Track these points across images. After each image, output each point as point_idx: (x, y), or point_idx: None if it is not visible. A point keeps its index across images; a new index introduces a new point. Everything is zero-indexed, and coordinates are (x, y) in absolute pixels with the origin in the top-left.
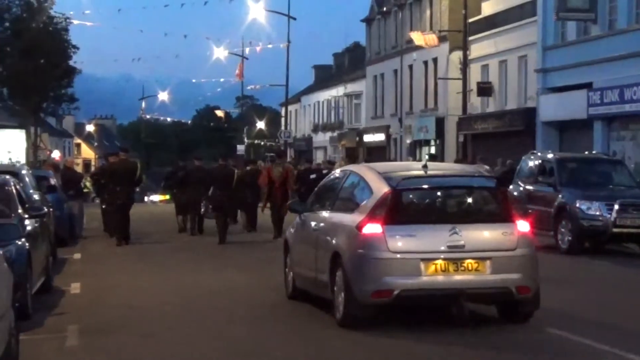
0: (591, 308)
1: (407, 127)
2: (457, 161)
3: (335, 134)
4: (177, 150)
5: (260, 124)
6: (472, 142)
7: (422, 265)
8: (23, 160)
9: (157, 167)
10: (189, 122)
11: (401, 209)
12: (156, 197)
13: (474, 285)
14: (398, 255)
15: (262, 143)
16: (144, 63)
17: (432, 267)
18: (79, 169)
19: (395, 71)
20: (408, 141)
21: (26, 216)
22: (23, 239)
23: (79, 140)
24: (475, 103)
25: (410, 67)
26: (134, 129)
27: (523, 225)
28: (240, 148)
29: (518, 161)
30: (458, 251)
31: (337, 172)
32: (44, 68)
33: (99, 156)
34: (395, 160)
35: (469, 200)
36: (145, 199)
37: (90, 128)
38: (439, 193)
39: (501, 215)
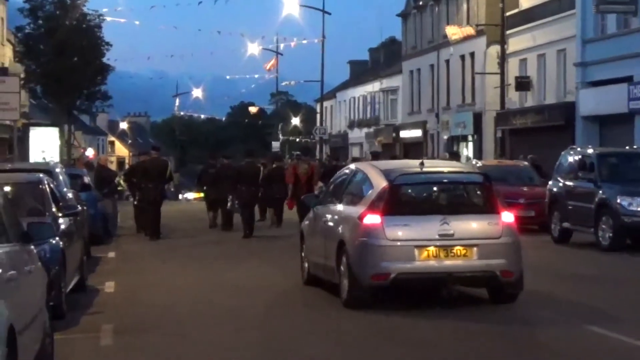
0: (631, 306)
1: (444, 122)
2: (497, 158)
3: (371, 130)
4: (212, 148)
5: (295, 121)
6: (510, 137)
7: (416, 252)
8: (57, 159)
9: (191, 164)
10: (223, 119)
11: (398, 201)
12: (191, 195)
13: (462, 269)
14: (394, 243)
15: (297, 140)
16: (178, 60)
17: (425, 253)
18: (112, 166)
19: (432, 66)
20: (445, 137)
21: (60, 215)
22: (57, 238)
23: (112, 138)
24: (514, 98)
25: (447, 61)
26: (167, 126)
27: (507, 217)
28: (275, 145)
29: (554, 157)
30: (448, 239)
31: (345, 169)
32: (77, 66)
33: (133, 154)
34: (434, 157)
35: (459, 193)
36: (180, 196)
37: (123, 125)
38: (431, 187)
39: (487, 207)
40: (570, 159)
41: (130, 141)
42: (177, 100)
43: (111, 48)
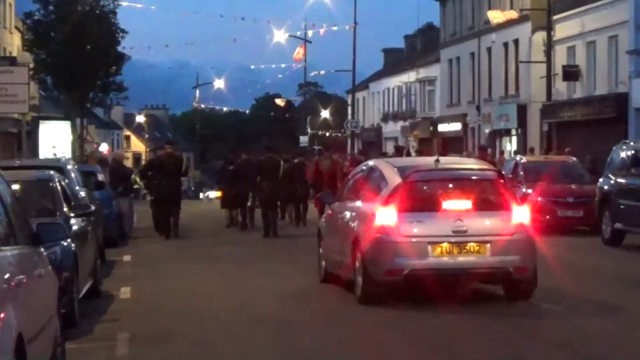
0: None
1: (486, 115)
2: (543, 153)
3: (406, 123)
4: (235, 142)
5: (325, 113)
6: (558, 131)
7: (429, 248)
8: (68, 155)
9: (213, 160)
10: (247, 111)
11: (411, 198)
12: (212, 194)
13: (475, 265)
14: (408, 239)
15: (327, 134)
16: (198, 48)
17: (438, 250)
18: (128, 163)
19: (472, 54)
20: (487, 131)
21: (72, 215)
22: (69, 240)
23: (128, 132)
24: (561, 88)
25: (489, 49)
26: (187, 120)
27: (521, 213)
28: (303, 139)
29: (605, 152)
30: (461, 235)
31: (362, 165)
32: (90, 55)
33: (149, 149)
34: (473, 151)
35: (472, 190)
36: (201, 195)
37: (140, 119)
38: (445, 184)
39: (501, 204)
40: (623, 154)
41: (147, 136)
42: (198, 92)
43: (127, 36)
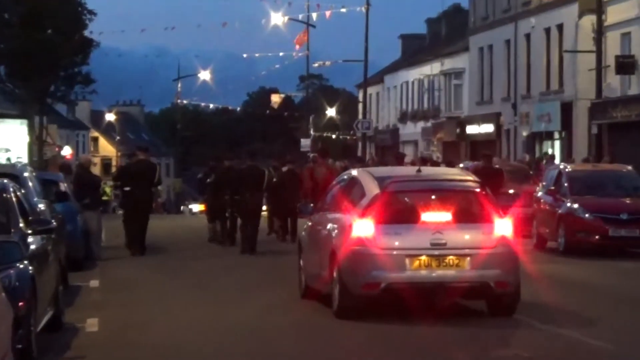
0: None
1: (524, 115)
2: (585, 161)
3: (429, 124)
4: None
5: (331, 112)
6: (609, 133)
7: (407, 261)
8: (25, 160)
9: (197, 167)
10: (238, 109)
11: (390, 209)
12: (196, 207)
13: (454, 279)
14: (386, 252)
15: (334, 136)
16: (180, 33)
17: (417, 263)
18: (96, 170)
19: (508, 42)
20: (524, 133)
21: (29, 232)
22: (26, 262)
23: (96, 134)
24: (614, 83)
25: (528, 36)
26: (167, 119)
27: (503, 225)
28: (305, 143)
29: None
30: (440, 248)
31: (343, 175)
32: (51, 40)
33: (122, 153)
34: (507, 158)
35: (453, 202)
36: (183, 208)
37: (110, 117)
38: (425, 195)
39: (482, 216)
40: None
41: (118, 137)
42: (179, 85)
43: (95, 18)
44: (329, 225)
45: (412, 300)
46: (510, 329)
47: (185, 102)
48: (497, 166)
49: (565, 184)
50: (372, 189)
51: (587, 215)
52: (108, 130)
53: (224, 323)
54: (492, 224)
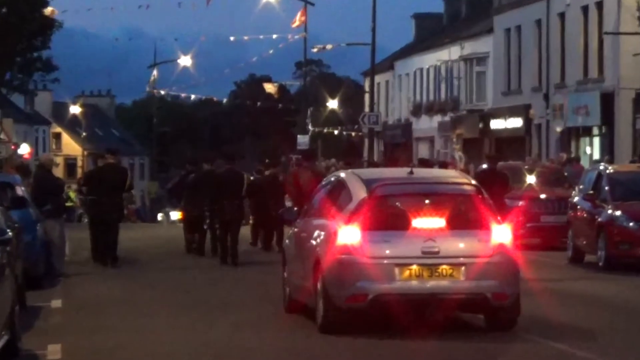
0: None
1: (557, 107)
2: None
3: (446, 118)
4: (207, 143)
5: (333, 104)
6: None
7: (396, 271)
8: None
9: (176, 169)
10: (224, 100)
11: (378, 214)
12: (175, 214)
13: (448, 290)
14: (373, 261)
15: (336, 132)
16: (156, 12)
17: (407, 273)
18: (59, 171)
19: (539, 22)
20: (558, 129)
21: None
22: None
23: (58, 129)
24: None
25: (562, 15)
26: (141, 111)
27: (501, 233)
28: (303, 140)
29: None
30: (432, 257)
31: (330, 176)
32: (5, 21)
33: (88, 152)
34: (539, 157)
35: (447, 206)
36: (159, 217)
37: (75, 110)
38: (416, 199)
39: (479, 222)
40: None
41: (84, 134)
42: (155, 72)
43: None
44: (313, 233)
45: (401, 314)
46: (513, 347)
47: (162, 92)
48: (507, 168)
49: (606, 188)
50: (359, 192)
51: (631, 224)
52: (72, 125)
53: (202, 343)
54: (489, 230)
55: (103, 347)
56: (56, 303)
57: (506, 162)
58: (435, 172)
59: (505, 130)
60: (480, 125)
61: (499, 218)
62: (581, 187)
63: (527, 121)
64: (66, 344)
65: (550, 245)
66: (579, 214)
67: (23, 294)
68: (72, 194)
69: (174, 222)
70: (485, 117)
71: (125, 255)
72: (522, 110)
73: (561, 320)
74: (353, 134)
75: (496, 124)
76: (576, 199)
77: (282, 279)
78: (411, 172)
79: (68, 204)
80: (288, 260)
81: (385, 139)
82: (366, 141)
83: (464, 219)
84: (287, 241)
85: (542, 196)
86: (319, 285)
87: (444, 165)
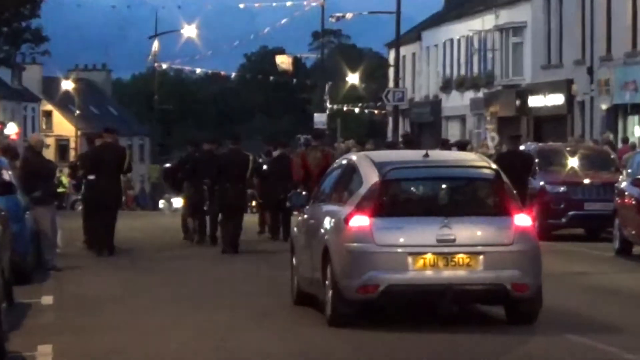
0: None
1: (602, 82)
2: None
3: (479, 94)
4: (214, 123)
5: (353, 78)
6: None
7: (409, 260)
8: None
9: (179, 151)
10: (233, 75)
11: (390, 200)
12: (178, 202)
13: (464, 281)
14: (385, 249)
15: (357, 110)
16: None
17: (421, 262)
18: (50, 153)
19: None
20: (604, 106)
21: None
22: None
23: (49, 106)
24: None
25: None
26: (140, 87)
27: (522, 219)
28: (320, 118)
29: None
30: (448, 245)
31: (341, 159)
32: None
33: (83, 131)
34: (582, 138)
35: (463, 191)
36: (161, 204)
37: (68, 86)
38: (431, 184)
39: (498, 208)
40: None
41: (78, 112)
42: (157, 44)
43: None
44: (322, 220)
45: (415, 306)
46: (531, 341)
47: (164, 66)
48: (528, 150)
49: None
50: (371, 176)
51: None
52: (65, 103)
53: (208, 343)
54: (509, 216)
55: (99, 348)
56: (47, 299)
57: (546, 143)
58: (453, 155)
59: (545, 108)
60: (517, 102)
61: (520, 204)
62: (629, 170)
63: (569, 98)
64: (58, 345)
65: (595, 235)
66: (626, 200)
67: (10, 289)
68: (65, 179)
69: (176, 209)
70: (523, 93)
71: (123, 247)
72: (564, 86)
73: (592, 315)
74: (376, 112)
75: (535, 101)
76: (624, 184)
77: (290, 269)
78: (426, 155)
79: (60, 189)
80: (296, 249)
81: (411, 118)
82: (390, 120)
83: (482, 205)
84: (295, 228)
85: (586, 181)
86: (327, 276)
87: (462, 146)
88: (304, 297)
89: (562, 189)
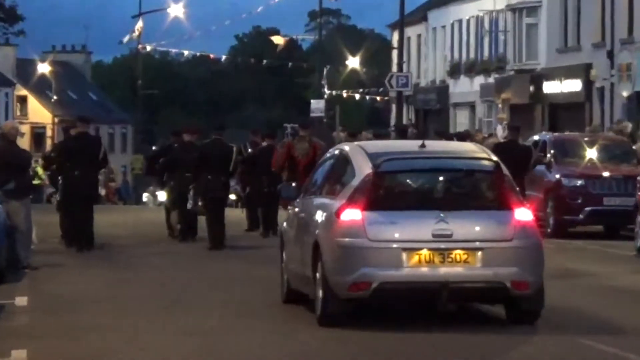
0: None
1: (624, 67)
2: None
3: (490, 80)
4: (204, 109)
5: (354, 62)
6: None
7: (404, 256)
8: None
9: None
10: (223, 58)
11: (383, 192)
12: (163, 195)
13: (461, 278)
14: (378, 244)
15: (358, 96)
16: None
17: (416, 258)
18: (24, 142)
19: None
20: (625, 93)
21: None
22: None
23: (24, 92)
24: None
25: None
26: (123, 71)
27: (523, 214)
28: (317, 105)
29: None
30: (445, 240)
31: (333, 149)
32: None
33: (60, 119)
34: (600, 128)
35: (461, 184)
36: (145, 197)
37: (44, 69)
38: (426, 175)
39: (498, 201)
40: None
41: (55, 97)
42: (140, 24)
43: None
44: (313, 213)
45: (409, 304)
46: (530, 341)
47: (148, 48)
48: (526, 142)
49: None
50: (364, 167)
51: None
52: (41, 87)
53: (194, 345)
54: (510, 210)
55: (77, 353)
56: (21, 300)
57: (562, 132)
58: (450, 146)
59: (561, 94)
60: (531, 88)
61: (521, 197)
62: None
63: (588, 84)
64: (33, 349)
65: (615, 233)
66: None
67: None
68: (40, 170)
69: (161, 203)
70: (537, 79)
71: (104, 243)
72: (582, 71)
73: (606, 317)
74: (378, 98)
75: (550, 87)
76: None
77: (280, 266)
78: (422, 145)
79: (35, 181)
80: (286, 244)
81: (416, 105)
82: (393, 107)
83: (481, 198)
84: (284, 224)
85: (605, 174)
86: (318, 273)
87: (462, 137)
88: (293, 295)
89: (579, 182)
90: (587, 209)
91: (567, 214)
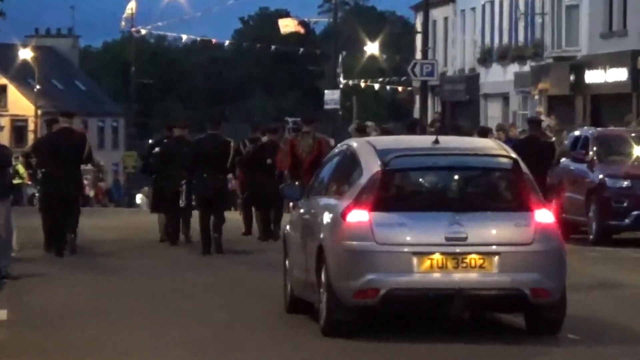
0: None
1: None
2: None
3: (526, 68)
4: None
5: (372, 48)
6: None
7: (414, 260)
8: None
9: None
10: (226, 43)
11: (393, 192)
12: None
13: (477, 285)
14: (386, 248)
15: (377, 86)
16: None
17: (427, 263)
18: (4, 137)
19: None
20: None
21: None
22: None
23: (3, 80)
24: None
25: None
26: (115, 58)
27: (544, 215)
28: (331, 96)
29: None
30: (459, 244)
31: (340, 145)
32: None
33: (44, 111)
34: None
35: (477, 183)
36: (138, 198)
37: (26, 55)
38: (440, 174)
39: (516, 202)
40: None
41: (38, 87)
42: (134, 3)
43: None
44: (317, 215)
45: (420, 313)
46: (549, 352)
47: (143, 31)
48: (550, 138)
49: None
50: (372, 165)
51: None
52: (22, 76)
53: (191, 358)
54: (529, 212)
55: None
56: (0, 314)
57: (606, 127)
58: (466, 142)
59: (605, 84)
60: (571, 78)
61: (541, 198)
62: None
63: (635, 73)
64: None
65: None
66: None
67: None
68: (21, 168)
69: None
70: (578, 67)
71: (92, 250)
72: (628, 59)
73: (635, 330)
74: (400, 88)
75: (593, 76)
76: None
77: (283, 272)
78: (436, 141)
79: (16, 181)
80: (289, 249)
81: (442, 96)
82: (417, 98)
83: (498, 199)
84: (288, 226)
85: None
86: (322, 279)
87: (484, 132)
88: (297, 303)
89: (625, 183)
90: (634, 212)
91: (612, 218)
